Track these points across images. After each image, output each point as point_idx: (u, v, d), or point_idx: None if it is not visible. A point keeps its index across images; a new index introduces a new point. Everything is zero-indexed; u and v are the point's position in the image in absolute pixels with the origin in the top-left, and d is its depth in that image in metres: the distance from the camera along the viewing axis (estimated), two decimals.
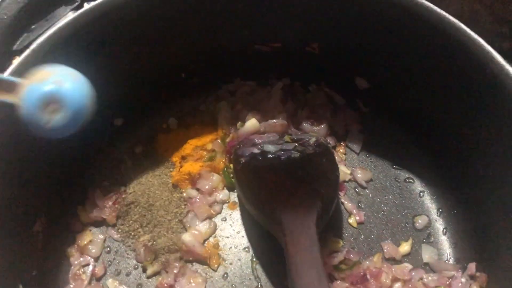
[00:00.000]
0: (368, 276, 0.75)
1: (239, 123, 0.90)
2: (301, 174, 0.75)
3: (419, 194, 0.85)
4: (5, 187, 0.66)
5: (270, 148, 0.81)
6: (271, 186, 0.74)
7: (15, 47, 0.70)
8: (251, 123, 0.88)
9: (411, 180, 0.87)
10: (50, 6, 0.72)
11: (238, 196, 0.85)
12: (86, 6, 0.73)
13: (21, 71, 0.65)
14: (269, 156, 0.79)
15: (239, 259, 0.80)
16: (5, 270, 0.66)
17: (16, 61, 0.67)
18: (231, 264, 0.80)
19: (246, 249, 0.81)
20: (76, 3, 0.74)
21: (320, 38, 0.85)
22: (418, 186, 0.86)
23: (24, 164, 0.71)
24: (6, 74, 0.64)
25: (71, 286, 0.76)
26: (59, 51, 0.70)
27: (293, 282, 0.63)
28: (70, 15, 0.73)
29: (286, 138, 0.84)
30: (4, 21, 0.68)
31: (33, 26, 0.71)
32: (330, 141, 0.90)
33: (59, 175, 0.80)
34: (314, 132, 0.90)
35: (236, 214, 0.85)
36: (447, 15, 0.67)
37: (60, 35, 0.70)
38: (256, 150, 0.81)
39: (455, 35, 0.67)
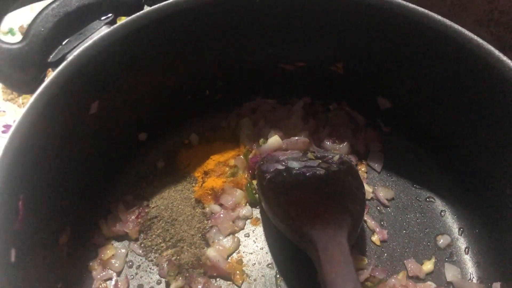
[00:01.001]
0: None
1: (261, 140, 0.90)
2: (328, 191, 0.76)
3: (441, 213, 0.86)
4: (32, 200, 0.66)
5: (294, 164, 0.81)
6: (299, 202, 0.74)
7: (50, 59, 0.71)
8: (274, 139, 0.88)
9: (432, 199, 0.87)
10: (85, 20, 0.73)
11: (261, 211, 0.86)
12: (120, 21, 0.75)
13: (58, 81, 0.67)
14: (294, 172, 0.79)
15: (263, 276, 0.80)
16: (33, 282, 0.65)
17: (51, 73, 0.68)
18: (255, 280, 0.79)
19: (270, 265, 0.81)
20: (110, 18, 0.75)
21: (345, 57, 0.87)
22: (439, 205, 0.87)
23: (49, 177, 0.70)
24: (44, 85, 0.65)
25: None
26: (92, 64, 0.71)
27: None
28: (104, 29, 0.74)
29: (310, 155, 0.85)
30: (42, 33, 0.69)
31: (67, 39, 0.72)
32: (352, 159, 0.90)
33: (83, 188, 0.80)
34: (336, 150, 0.91)
35: (259, 230, 0.85)
36: (475, 36, 0.69)
37: (94, 49, 0.71)
38: (280, 166, 0.81)
39: (483, 56, 0.69)
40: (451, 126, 0.83)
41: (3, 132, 1.04)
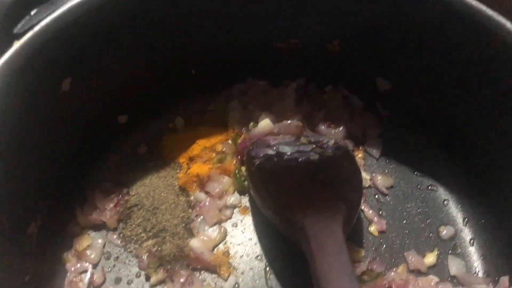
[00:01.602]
0: None
1: (251, 124, 0.84)
2: (322, 177, 0.69)
3: (443, 202, 0.80)
4: None
5: (286, 149, 0.75)
6: (290, 190, 0.68)
7: (15, 31, 0.65)
8: (265, 123, 0.82)
9: (434, 188, 0.82)
10: None
11: (250, 200, 0.80)
12: None
13: (22, 54, 0.60)
14: (286, 157, 0.73)
15: (251, 268, 0.74)
16: None
17: (17, 44, 0.62)
18: (242, 273, 0.73)
19: (259, 257, 0.75)
20: None
21: (341, 34, 0.80)
22: (442, 193, 0.81)
23: (18, 160, 0.65)
24: (6, 57, 0.58)
25: None
26: (64, 36, 0.65)
27: None
28: None
29: (303, 139, 0.78)
30: (5, 1, 0.63)
31: (36, 9, 0.66)
32: (348, 144, 0.85)
33: (56, 173, 0.74)
34: (331, 135, 0.85)
35: (248, 220, 0.79)
36: (484, 7, 0.63)
37: (65, 19, 0.65)
38: (271, 151, 0.75)
39: (493, 29, 0.63)
40: (454, 108, 0.77)
41: None
